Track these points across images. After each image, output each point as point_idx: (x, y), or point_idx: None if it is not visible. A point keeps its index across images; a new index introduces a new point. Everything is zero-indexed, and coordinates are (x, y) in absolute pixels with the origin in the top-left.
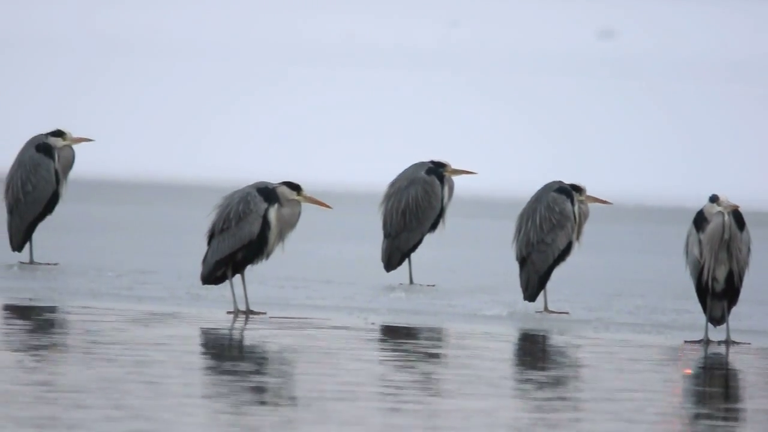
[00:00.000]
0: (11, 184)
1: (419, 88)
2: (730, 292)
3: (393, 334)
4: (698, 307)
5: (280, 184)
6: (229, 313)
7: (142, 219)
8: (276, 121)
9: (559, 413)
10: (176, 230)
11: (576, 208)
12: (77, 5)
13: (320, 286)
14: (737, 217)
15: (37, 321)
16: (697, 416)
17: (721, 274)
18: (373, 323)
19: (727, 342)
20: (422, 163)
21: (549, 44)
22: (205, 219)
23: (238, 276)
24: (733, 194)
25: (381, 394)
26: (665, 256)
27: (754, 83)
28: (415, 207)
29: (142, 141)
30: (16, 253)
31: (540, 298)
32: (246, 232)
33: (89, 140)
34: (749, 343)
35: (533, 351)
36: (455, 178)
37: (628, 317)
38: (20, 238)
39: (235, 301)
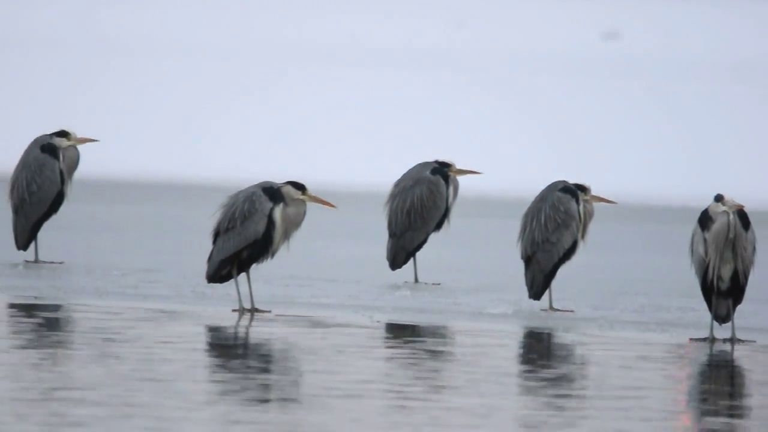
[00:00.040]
0: (16, 184)
1: (424, 88)
2: (736, 290)
3: (398, 332)
4: (703, 305)
5: (285, 183)
6: (234, 311)
7: (145, 218)
8: (280, 121)
9: (565, 411)
10: (180, 229)
11: (581, 207)
12: (77, 5)
13: (325, 285)
14: (742, 216)
15: (43, 319)
16: (703, 413)
17: (726, 272)
18: (378, 321)
19: (733, 340)
20: (427, 163)
21: (553, 45)
22: (208, 218)
23: (243, 274)
24: (737, 194)
25: (387, 391)
26: (670, 255)
27: (758, 83)
28: (420, 207)
29: (143, 140)
30: (22, 252)
31: (545, 296)
32: (251, 231)
33: (94, 140)
34: (754, 341)
35: (538, 349)
36: (460, 178)
37: (633, 315)
38: (25, 237)
39: (240, 300)
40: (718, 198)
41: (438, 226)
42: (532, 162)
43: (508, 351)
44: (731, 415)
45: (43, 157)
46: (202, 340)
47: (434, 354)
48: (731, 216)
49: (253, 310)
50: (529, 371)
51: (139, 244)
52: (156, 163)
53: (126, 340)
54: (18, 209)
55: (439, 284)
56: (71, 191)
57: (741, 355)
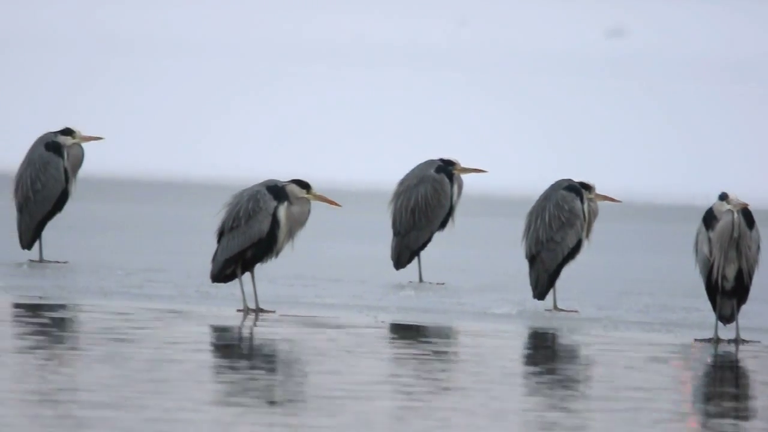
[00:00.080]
0: (21, 183)
1: (427, 87)
2: (740, 290)
3: (402, 332)
4: (708, 305)
5: (289, 182)
6: (238, 311)
7: (148, 217)
8: (284, 120)
9: (570, 411)
10: (182, 229)
11: (585, 206)
12: (77, 5)
13: (330, 285)
14: (747, 215)
15: (48, 319)
16: (708, 414)
17: (731, 272)
18: (382, 321)
19: (737, 340)
20: (432, 162)
21: (557, 43)
22: (212, 217)
23: (247, 274)
24: (742, 192)
25: (391, 392)
26: (674, 255)
27: (762, 82)
28: (425, 205)
29: (142, 139)
30: (26, 251)
31: (549, 296)
32: (255, 231)
33: (99, 138)
34: (759, 341)
35: (543, 349)
36: (464, 177)
37: (637, 315)
38: (30, 236)
39: (244, 299)
40: (723, 197)
41: (442, 225)
42: (537, 160)
43: (513, 351)
44: (737, 417)
45: (47, 156)
46: (206, 340)
47: (440, 354)
48: (736, 215)
49: (258, 310)
50: (536, 372)
51: (142, 244)
52: (156, 162)
53: (131, 341)
54: (22, 208)
55: (443, 284)
56: (76, 190)
57: (745, 355)
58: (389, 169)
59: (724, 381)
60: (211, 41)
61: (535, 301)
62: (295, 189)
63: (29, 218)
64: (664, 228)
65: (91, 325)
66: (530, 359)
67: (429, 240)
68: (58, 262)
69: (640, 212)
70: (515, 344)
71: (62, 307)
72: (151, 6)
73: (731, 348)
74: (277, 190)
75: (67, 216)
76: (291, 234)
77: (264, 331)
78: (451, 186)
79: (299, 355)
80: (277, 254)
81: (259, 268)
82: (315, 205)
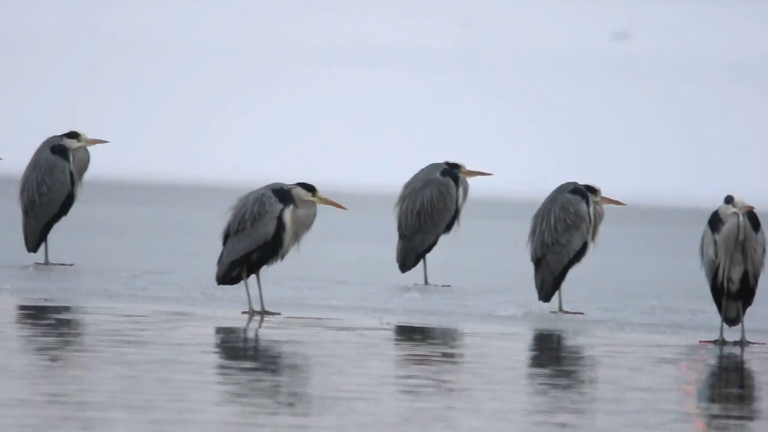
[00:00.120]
0: (26, 186)
1: (432, 89)
2: (745, 292)
3: (408, 334)
4: (713, 307)
5: (294, 185)
6: (244, 313)
7: (151, 219)
8: (287, 122)
9: (576, 413)
10: (185, 231)
11: (591, 209)
12: (77, 5)
13: (335, 287)
14: (752, 218)
15: (54, 321)
16: (713, 416)
17: (736, 274)
18: (388, 323)
19: (742, 342)
20: (437, 165)
21: (562, 46)
22: (217, 220)
23: (253, 276)
24: (748, 195)
25: (397, 393)
26: (680, 257)
27: (766, 84)
28: (430, 208)
29: (142, 141)
30: (32, 254)
31: (555, 298)
32: (261, 233)
33: (104, 142)
34: (764, 343)
35: (549, 351)
36: (470, 180)
37: (643, 317)
38: (35, 239)
39: (250, 302)
40: (729, 199)
41: (448, 228)
42: (542, 163)
43: (519, 353)
44: (742, 418)
45: (53, 159)
46: (212, 342)
47: (446, 356)
48: (741, 218)
49: (263, 312)
50: (542, 374)
51: (147, 246)
52: (156, 164)
53: (137, 343)
54: (28, 210)
55: (449, 286)
56: (81, 193)
57: (751, 357)
58: (393, 171)
59: (729, 382)
60: (212, 42)
61: (541, 303)
62: (300, 192)
63: (35, 221)
64: (670, 231)
65: (98, 327)
66: (536, 361)
67: (435, 243)
68: (63, 264)
69: (646, 215)
70: (521, 346)
71: (68, 309)
72: (151, 7)
73: (736, 349)
74: (282, 193)
75: (73, 219)
76: (297, 237)
77: (269, 333)
78: (457, 189)
79: (305, 356)
80: (282, 257)
81: (265, 271)
82: (320, 207)
